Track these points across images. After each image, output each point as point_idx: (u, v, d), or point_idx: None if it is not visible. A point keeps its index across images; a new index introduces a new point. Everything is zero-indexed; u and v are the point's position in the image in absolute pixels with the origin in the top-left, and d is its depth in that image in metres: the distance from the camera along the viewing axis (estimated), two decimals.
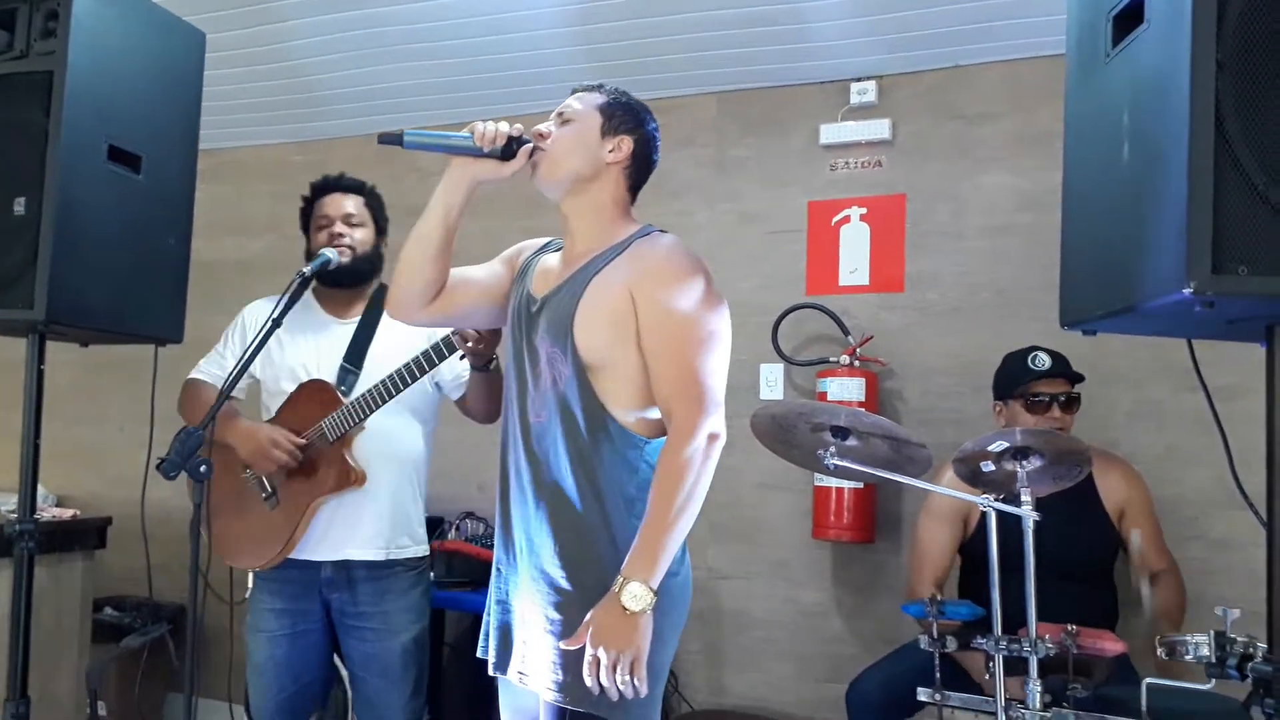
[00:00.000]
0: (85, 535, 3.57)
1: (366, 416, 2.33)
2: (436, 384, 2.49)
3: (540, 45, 3.29)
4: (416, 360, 2.28)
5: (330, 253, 2.39)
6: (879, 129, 3.36)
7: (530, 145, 1.82)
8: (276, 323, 2.15)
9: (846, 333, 3.31)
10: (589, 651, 1.60)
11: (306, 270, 2.29)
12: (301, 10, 3.18)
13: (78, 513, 3.73)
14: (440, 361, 2.29)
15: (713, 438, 1.67)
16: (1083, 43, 1.56)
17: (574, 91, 1.91)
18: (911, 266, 3.33)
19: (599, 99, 1.87)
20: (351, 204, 2.52)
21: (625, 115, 1.86)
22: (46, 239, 1.81)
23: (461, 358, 2.29)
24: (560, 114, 1.87)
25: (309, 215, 2.57)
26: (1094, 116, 1.52)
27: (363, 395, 2.33)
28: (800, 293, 3.44)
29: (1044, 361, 2.67)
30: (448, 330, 2.21)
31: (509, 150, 1.79)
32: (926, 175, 3.33)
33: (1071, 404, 2.68)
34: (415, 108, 3.75)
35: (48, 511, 3.69)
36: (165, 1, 2.11)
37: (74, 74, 1.84)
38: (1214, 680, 1.61)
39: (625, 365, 1.73)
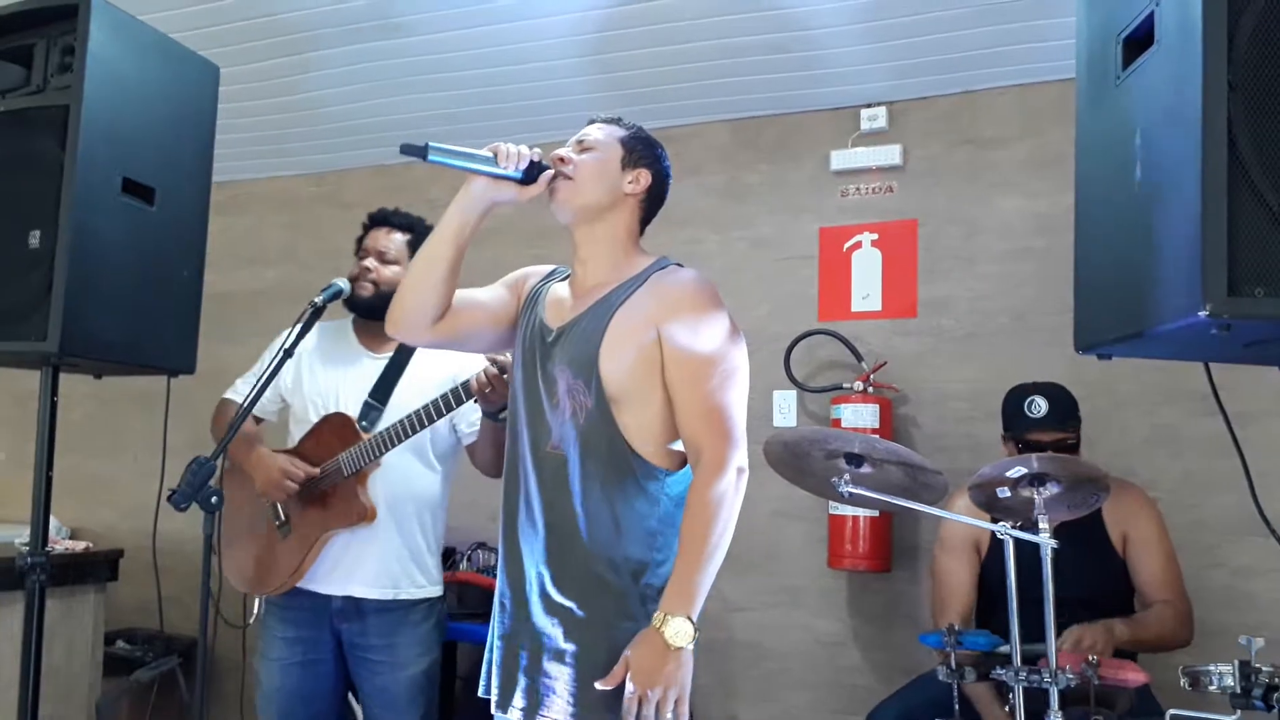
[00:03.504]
0: (97, 568, 3.58)
1: (383, 454, 2.33)
2: (454, 429, 2.48)
3: (554, 75, 3.31)
4: (435, 403, 2.28)
5: (341, 282, 2.40)
6: (890, 155, 3.36)
7: (551, 171, 1.80)
8: (288, 353, 2.16)
9: (860, 359, 3.30)
10: (630, 689, 1.61)
11: (318, 299, 2.29)
12: (315, 43, 3.21)
13: (90, 545, 3.74)
14: (459, 405, 2.28)
15: (740, 471, 1.73)
16: (1093, 66, 1.56)
17: (591, 121, 1.91)
18: (924, 292, 3.32)
19: (620, 131, 1.88)
20: (392, 241, 2.51)
21: (644, 149, 1.88)
22: (60, 271, 1.82)
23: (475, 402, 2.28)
24: (580, 141, 1.86)
25: (361, 242, 2.58)
26: (1105, 139, 1.51)
27: (381, 432, 2.34)
28: (812, 319, 3.43)
29: (1040, 409, 2.59)
30: (474, 371, 2.20)
31: (531, 174, 1.78)
32: (938, 200, 3.32)
33: (1068, 451, 2.56)
34: (429, 139, 3.76)
35: (60, 544, 3.69)
36: (180, 35, 2.14)
37: (89, 108, 1.85)
38: (1239, 711, 1.58)
39: (649, 399, 1.74)
